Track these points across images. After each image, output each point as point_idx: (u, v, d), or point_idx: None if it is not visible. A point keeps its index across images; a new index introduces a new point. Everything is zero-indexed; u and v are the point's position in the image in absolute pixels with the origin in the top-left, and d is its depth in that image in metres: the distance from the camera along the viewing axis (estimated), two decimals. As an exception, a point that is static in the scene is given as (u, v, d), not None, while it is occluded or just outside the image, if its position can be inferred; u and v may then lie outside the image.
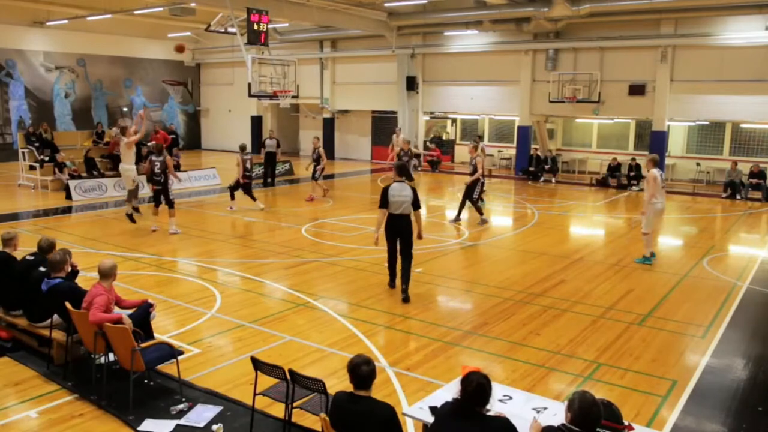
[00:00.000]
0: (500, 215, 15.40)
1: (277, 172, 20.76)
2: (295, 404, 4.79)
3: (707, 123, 20.69)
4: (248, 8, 16.41)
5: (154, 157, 12.44)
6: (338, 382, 5.68)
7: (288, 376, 4.70)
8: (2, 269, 6.75)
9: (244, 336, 7.24)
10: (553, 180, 21.51)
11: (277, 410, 5.21)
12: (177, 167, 17.47)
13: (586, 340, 7.20)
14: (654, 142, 20.41)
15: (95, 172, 18.40)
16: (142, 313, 6.11)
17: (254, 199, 15.24)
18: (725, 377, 6.33)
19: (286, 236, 12.58)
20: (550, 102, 21.52)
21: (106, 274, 5.90)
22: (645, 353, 6.85)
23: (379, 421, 3.84)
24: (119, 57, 28.29)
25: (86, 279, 7.82)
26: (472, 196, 13.76)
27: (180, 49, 22.13)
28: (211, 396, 5.72)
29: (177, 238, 12.26)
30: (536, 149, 22.41)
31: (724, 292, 9.15)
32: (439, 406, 3.93)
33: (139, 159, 15.06)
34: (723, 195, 18.48)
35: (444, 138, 26.77)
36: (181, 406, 5.47)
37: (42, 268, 6.40)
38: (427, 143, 25.68)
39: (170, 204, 12.49)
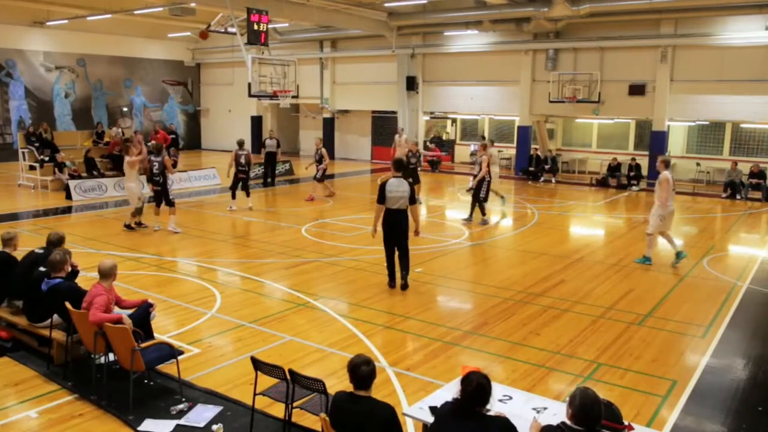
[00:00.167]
0: (500, 215, 15.38)
1: (277, 172, 20.78)
2: (295, 404, 4.79)
3: (707, 123, 20.69)
4: (248, 8, 16.41)
5: (152, 157, 12.46)
6: (338, 382, 5.68)
7: (288, 376, 4.70)
8: (2, 269, 6.75)
9: (244, 336, 7.24)
10: (553, 180, 21.51)
11: (277, 410, 5.21)
12: (174, 167, 17.38)
13: (586, 340, 7.20)
14: (654, 142, 20.42)
15: (95, 172, 18.40)
16: (142, 313, 6.11)
17: (248, 195, 15.29)
18: (725, 377, 6.33)
19: (287, 236, 12.58)
20: (550, 102, 21.51)
21: (106, 274, 5.90)
22: (645, 353, 6.85)
23: (379, 421, 3.84)
24: (119, 57, 28.29)
25: (86, 279, 7.81)
26: (479, 195, 13.84)
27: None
28: (211, 396, 5.72)
29: (177, 238, 12.27)
30: (536, 149, 22.41)
31: (724, 292, 9.16)
32: (439, 406, 3.93)
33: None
34: (723, 195, 18.48)
35: (444, 138, 26.78)
36: (181, 406, 5.47)
37: (42, 268, 6.40)
38: (427, 143, 25.67)
39: (170, 204, 12.54)
